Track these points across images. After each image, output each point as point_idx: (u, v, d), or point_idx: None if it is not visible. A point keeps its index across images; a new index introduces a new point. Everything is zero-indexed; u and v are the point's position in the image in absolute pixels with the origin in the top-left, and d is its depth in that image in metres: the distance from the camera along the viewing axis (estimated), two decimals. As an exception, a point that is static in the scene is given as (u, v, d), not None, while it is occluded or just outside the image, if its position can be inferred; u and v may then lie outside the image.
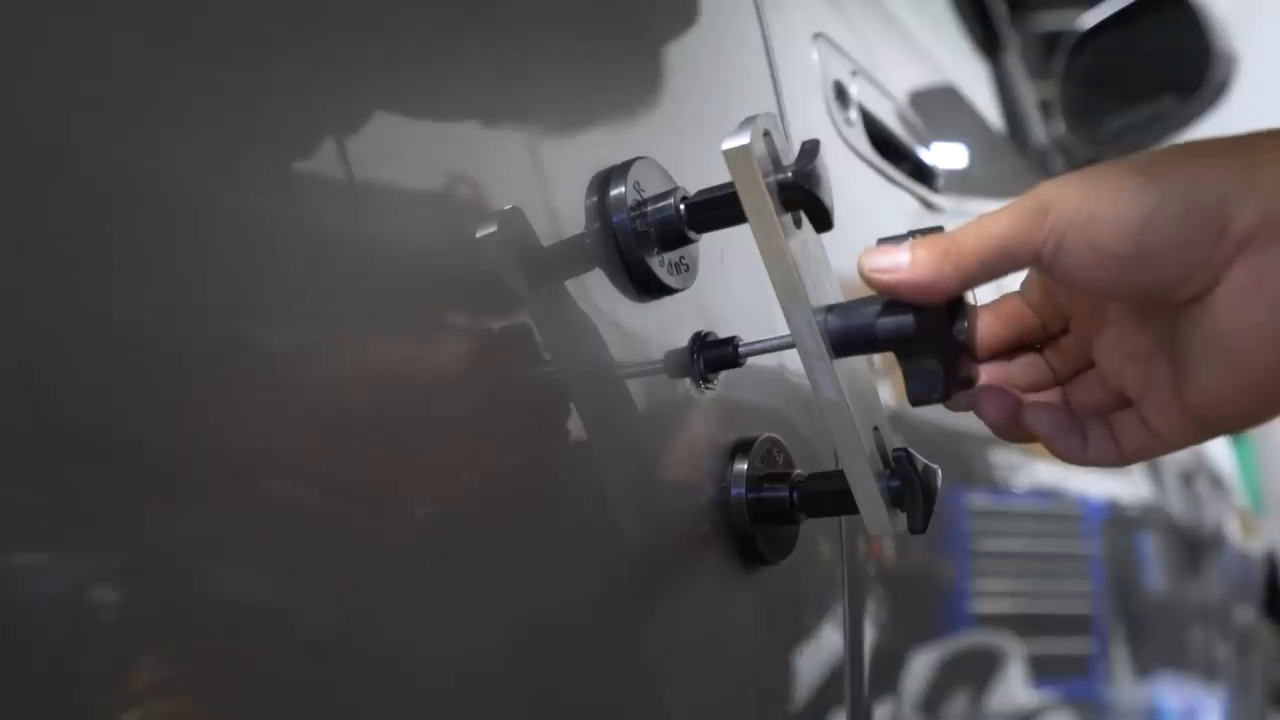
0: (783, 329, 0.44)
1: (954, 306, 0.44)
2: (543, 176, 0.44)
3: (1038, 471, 1.05)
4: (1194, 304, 0.38)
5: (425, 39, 0.39)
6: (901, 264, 0.41)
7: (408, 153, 0.37)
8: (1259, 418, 0.40)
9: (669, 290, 0.48)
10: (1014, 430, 0.46)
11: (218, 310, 0.30)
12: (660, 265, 0.47)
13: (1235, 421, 0.40)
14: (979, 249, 0.41)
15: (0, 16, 0.26)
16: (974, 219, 0.42)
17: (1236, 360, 0.38)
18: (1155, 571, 1.46)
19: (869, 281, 0.42)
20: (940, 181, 0.95)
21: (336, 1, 0.36)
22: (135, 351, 0.27)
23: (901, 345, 0.42)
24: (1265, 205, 0.36)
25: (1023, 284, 0.47)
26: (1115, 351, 0.44)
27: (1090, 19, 1.47)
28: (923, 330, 0.42)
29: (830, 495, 0.49)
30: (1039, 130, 1.53)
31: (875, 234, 0.44)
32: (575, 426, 0.43)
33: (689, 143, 0.54)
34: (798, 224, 0.44)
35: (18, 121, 0.26)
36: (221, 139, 0.31)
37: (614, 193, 0.46)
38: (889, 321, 0.42)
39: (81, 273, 0.26)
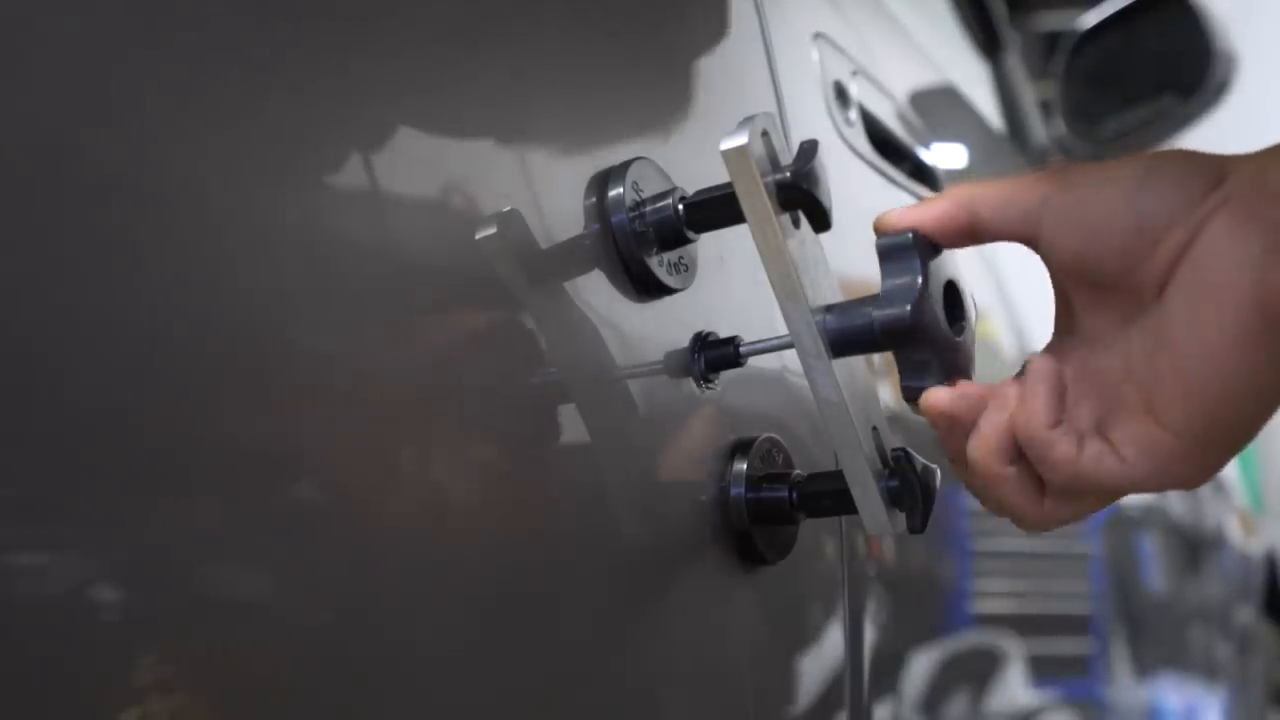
0: (783, 329, 0.44)
1: (953, 305, 0.44)
2: (541, 178, 0.44)
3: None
4: (1179, 264, 0.38)
5: (423, 42, 0.40)
6: (915, 210, 0.43)
7: (406, 156, 0.37)
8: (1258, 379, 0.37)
9: (668, 290, 0.48)
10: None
11: (218, 311, 0.30)
12: (659, 265, 0.47)
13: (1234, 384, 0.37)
14: (991, 193, 0.42)
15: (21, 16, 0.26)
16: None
17: (1217, 307, 0.37)
18: (1155, 571, 1.46)
19: (881, 226, 0.43)
20: (940, 182, 0.95)
21: (339, 6, 0.36)
22: (135, 351, 0.27)
23: (899, 338, 0.42)
24: (1261, 163, 0.38)
25: None
26: (1106, 373, 0.42)
27: (1090, 19, 1.47)
28: (920, 320, 0.41)
29: (829, 495, 0.49)
30: (1039, 130, 1.53)
31: (874, 234, 0.44)
32: (575, 426, 0.43)
33: (687, 143, 0.54)
34: (796, 224, 0.44)
35: (20, 118, 0.26)
36: (227, 143, 0.31)
37: (612, 193, 0.46)
38: (886, 314, 0.42)
39: (83, 271, 0.27)
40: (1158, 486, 0.41)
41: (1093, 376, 0.41)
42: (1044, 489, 0.42)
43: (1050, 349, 0.44)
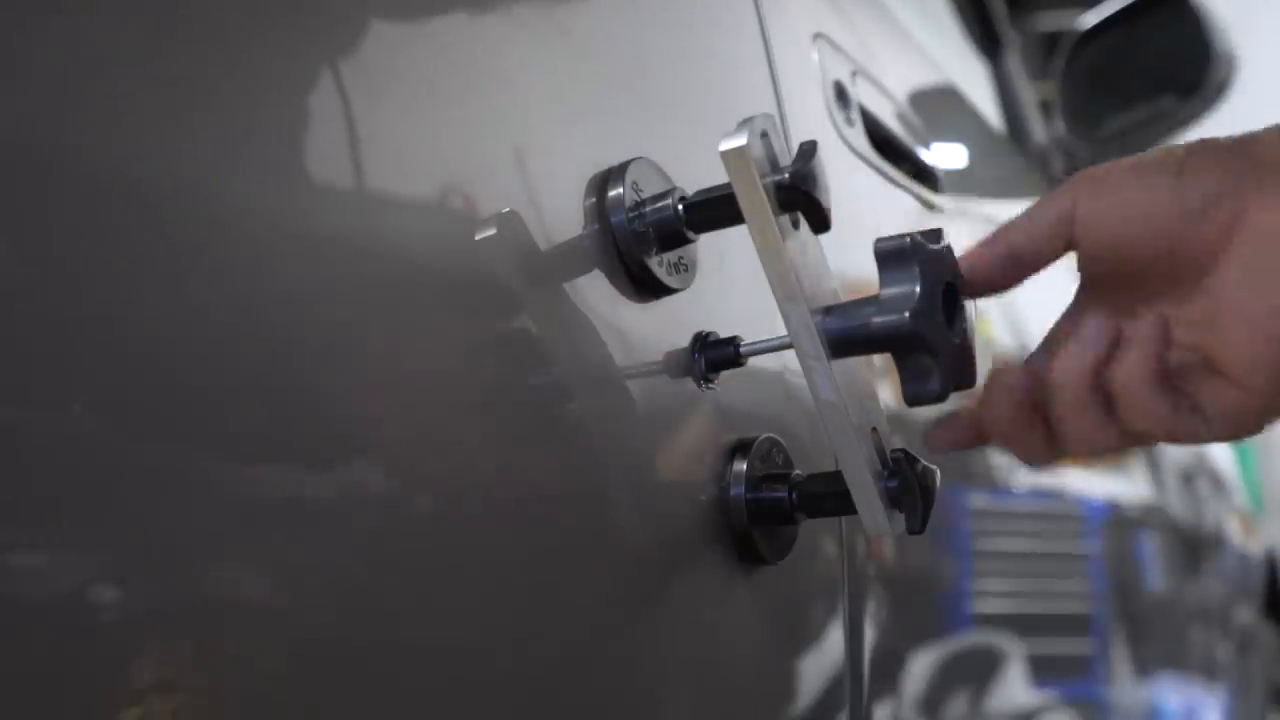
0: (783, 329, 0.44)
1: (952, 306, 0.44)
2: (541, 178, 0.44)
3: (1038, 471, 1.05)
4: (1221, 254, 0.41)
5: (422, 41, 0.40)
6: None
7: (406, 157, 0.37)
8: None
9: (668, 290, 0.48)
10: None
11: (217, 310, 0.30)
12: (659, 265, 0.47)
13: None
14: (1017, 218, 0.45)
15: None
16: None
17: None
18: (1155, 571, 1.46)
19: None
20: (940, 181, 0.95)
21: (338, 5, 0.36)
22: (135, 350, 0.27)
23: (898, 345, 0.42)
24: None
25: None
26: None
27: (1090, 19, 1.47)
28: (919, 328, 0.41)
29: (829, 496, 0.49)
30: (1039, 130, 1.53)
31: (874, 234, 0.44)
32: (575, 426, 0.43)
33: (687, 143, 0.54)
34: (795, 225, 0.44)
35: (18, 119, 0.26)
36: (223, 141, 0.31)
37: (612, 194, 0.46)
38: (885, 320, 0.42)
39: (81, 271, 0.27)
40: (1231, 438, 0.44)
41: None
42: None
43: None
